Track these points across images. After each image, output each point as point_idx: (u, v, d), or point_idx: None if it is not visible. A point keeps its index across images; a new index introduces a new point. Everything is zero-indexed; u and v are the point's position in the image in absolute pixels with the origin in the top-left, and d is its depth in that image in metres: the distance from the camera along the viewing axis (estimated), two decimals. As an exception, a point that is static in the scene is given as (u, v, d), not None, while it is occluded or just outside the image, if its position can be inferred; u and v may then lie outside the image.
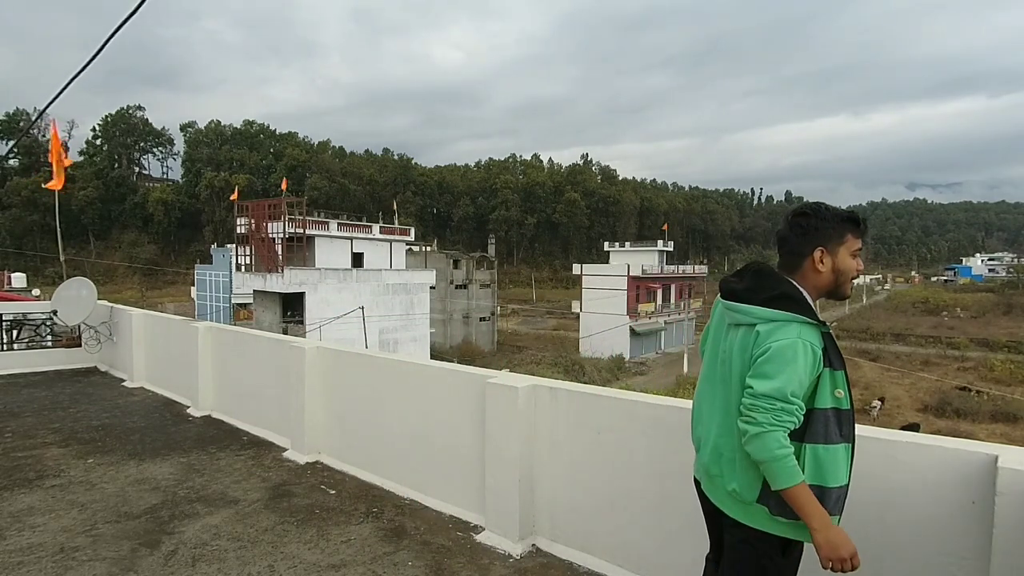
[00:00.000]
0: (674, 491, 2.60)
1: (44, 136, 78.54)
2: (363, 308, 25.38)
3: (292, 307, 27.66)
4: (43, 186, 9.62)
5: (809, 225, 1.76)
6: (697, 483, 1.92)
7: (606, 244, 59.21)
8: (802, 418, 1.59)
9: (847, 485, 1.64)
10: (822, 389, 1.62)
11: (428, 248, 46.88)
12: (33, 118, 75.15)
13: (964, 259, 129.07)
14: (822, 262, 1.74)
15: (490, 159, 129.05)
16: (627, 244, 58.45)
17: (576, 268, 52.64)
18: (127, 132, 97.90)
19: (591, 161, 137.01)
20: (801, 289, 1.73)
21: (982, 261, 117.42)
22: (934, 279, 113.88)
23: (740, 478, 1.69)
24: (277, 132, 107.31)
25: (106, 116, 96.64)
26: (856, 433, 1.69)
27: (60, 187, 9.37)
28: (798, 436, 1.61)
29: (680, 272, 51.56)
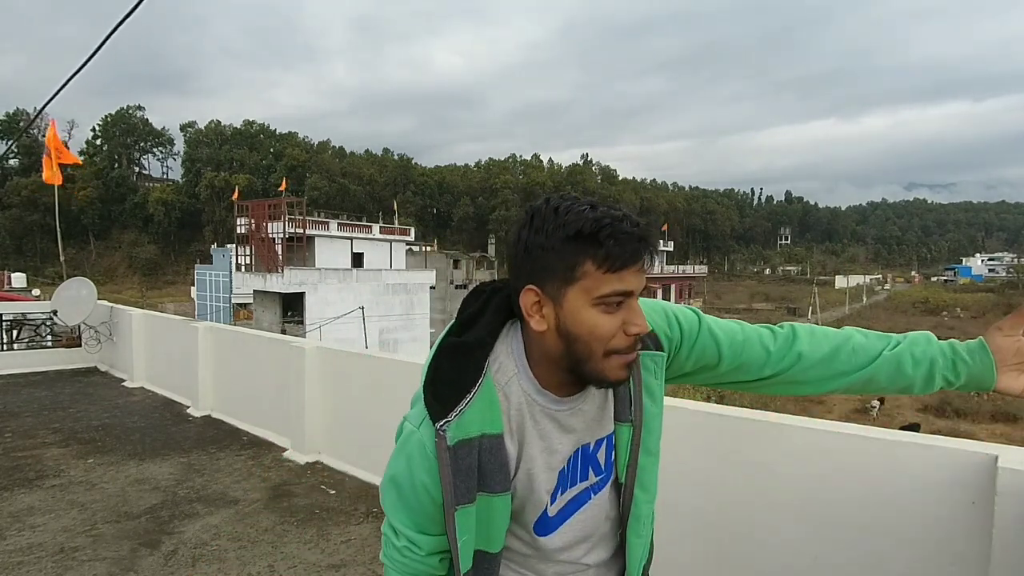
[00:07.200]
0: (674, 491, 2.60)
1: (44, 136, 78.43)
2: (363, 308, 25.37)
3: (292, 307, 27.68)
4: (46, 180, 9.69)
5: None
6: None
7: (606, 244, 59.18)
8: None
9: None
10: None
11: (428, 248, 46.83)
12: (31, 118, 75.20)
13: (964, 259, 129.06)
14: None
15: (490, 159, 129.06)
16: (627, 244, 58.41)
17: (576, 268, 52.50)
18: (127, 132, 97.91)
19: (591, 161, 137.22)
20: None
21: (982, 261, 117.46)
22: (934, 279, 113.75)
23: None
24: (277, 132, 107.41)
25: (106, 116, 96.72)
26: (854, 433, 1.66)
27: (57, 182, 9.48)
28: None
29: (680, 272, 51.62)
